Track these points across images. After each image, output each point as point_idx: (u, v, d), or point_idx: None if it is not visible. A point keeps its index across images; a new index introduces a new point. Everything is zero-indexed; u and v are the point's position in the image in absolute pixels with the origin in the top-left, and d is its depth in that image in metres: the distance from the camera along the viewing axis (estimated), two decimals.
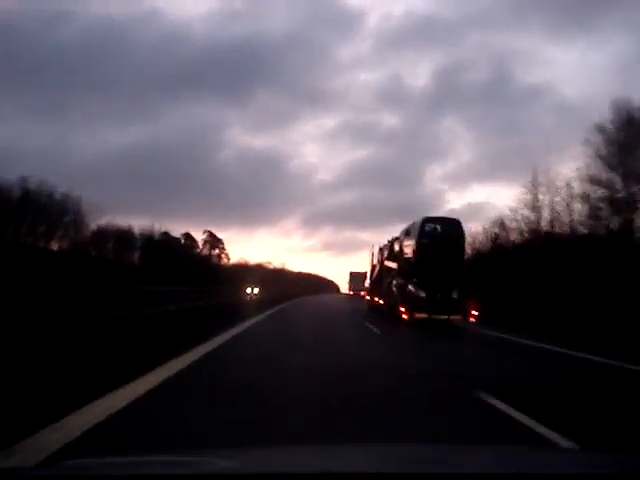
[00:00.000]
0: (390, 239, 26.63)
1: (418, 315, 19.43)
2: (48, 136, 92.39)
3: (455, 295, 20.25)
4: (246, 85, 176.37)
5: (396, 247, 24.22)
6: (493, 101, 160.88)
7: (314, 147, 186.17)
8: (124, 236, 54.29)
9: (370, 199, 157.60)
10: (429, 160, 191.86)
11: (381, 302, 26.52)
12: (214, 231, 62.62)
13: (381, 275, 27.18)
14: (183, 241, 55.66)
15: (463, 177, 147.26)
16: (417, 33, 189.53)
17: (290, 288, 57.19)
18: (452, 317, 19.60)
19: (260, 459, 1.82)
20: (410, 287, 20.59)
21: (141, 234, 55.36)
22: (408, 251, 21.52)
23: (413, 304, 19.67)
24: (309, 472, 1.48)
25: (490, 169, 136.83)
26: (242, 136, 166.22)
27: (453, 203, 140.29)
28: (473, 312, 19.71)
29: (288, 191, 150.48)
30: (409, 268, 21.00)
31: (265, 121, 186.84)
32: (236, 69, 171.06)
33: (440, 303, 19.64)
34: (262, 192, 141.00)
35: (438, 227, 20.44)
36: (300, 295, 51.54)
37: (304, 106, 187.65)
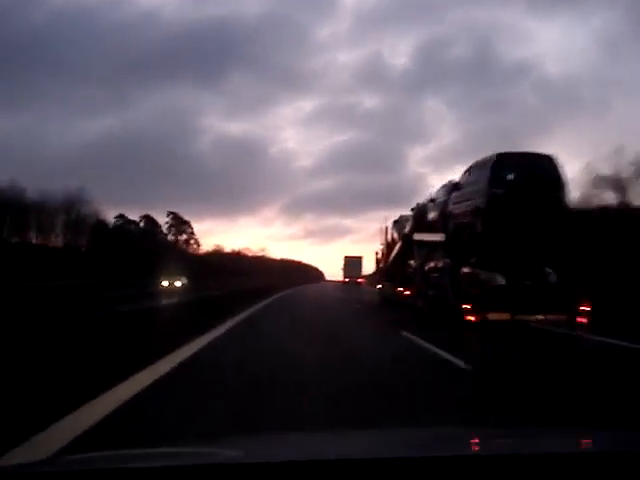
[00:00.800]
0: (422, 202, 18.67)
1: (494, 315, 11.49)
2: (14, 124, 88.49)
3: (553, 280, 12.28)
4: (221, 68, 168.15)
5: (432, 213, 16.16)
6: (476, 80, 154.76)
7: (293, 132, 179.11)
8: (74, 222, 46.52)
9: (352, 185, 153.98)
10: (412, 142, 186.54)
11: (407, 293, 18.46)
12: (193, 221, 54.45)
13: (403, 255, 19.05)
14: (142, 225, 46.72)
15: (447, 159, 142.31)
16: (397, 10, 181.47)
17: (269, 279, 49.00)
18: (551, 316, 11.70)
19: (263, 447, 1.85)
20: (471, 270, 12.60)
21: (96, 219, 47.21)
22: (463, 213, 13.44)
23: (484, 298, 11.69)
24: (313, 459, 1.45)
25: (474, 150, 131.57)
26: (219, 122, 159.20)
27: (435, 186, 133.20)
28: (584, 308, 11.76)
29: (268, 178, 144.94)
30: (468, 239, 12.98)
31: (242, 105, 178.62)
32: (210, 51, 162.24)
33: (530, 294, 11.71)
34: (241, 180, 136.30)
35: (521, 168, 12.36)
36: (282, 288, 40.70)
37: (282, 89, 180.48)
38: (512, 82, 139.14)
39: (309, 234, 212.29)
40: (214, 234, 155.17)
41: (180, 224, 51.15)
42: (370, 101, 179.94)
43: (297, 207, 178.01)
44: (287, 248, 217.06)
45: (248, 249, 70.87)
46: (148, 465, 1.46)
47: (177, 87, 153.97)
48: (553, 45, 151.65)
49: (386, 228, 23.94)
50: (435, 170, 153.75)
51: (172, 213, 48.76)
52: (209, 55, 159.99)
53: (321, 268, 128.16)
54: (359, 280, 52.97)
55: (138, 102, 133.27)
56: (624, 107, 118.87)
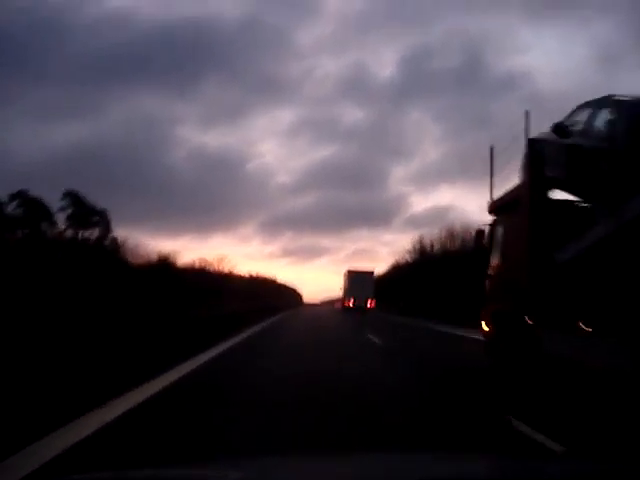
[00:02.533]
0: None
1: None
2: None
3: None
4: (196, 74, 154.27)
5: None
6: (465, 93, 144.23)
7: (271, 146, 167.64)
8: None
9: (332, 203, 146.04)
10: (395, 159, 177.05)
11: None
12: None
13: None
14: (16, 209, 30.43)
15: (431, 177, 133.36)
16: (383, 17, 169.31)
17: (231, 303, 33.44)
18: None
19: (270, 470, 1.83)
20: None
21: None
22: None
23: None
24: None
25: (459, 169, 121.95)
26: (192, 132, 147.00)
27: (418, 205, 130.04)
28: None
29: (245, 194, 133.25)
30: None
31: (217, 115, 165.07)
32: (184, 56, 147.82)
33: None
34: (216, 195, 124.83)
35: None
36: (247, 322, 22.60)
37: (261, 98, 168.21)
38: (502, 95, 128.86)
39: (287, 253, 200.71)
40: (187, 251, 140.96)
41: (85, 213, 34.46)
42: (353, 113, 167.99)
43: (275, 225, 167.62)
44: (265, 267, 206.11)
45: (205, 261, 53.31)
46: None
47: (148, 93, 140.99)
48: (547, 57, 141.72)
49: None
50: (418, 189, 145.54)
51: (70, 193, 31.25)
52: (183, 60, 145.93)
53: (299, 289, 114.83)
54: (369, 304, 39.65)
55: (105, 108, 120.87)
56: None
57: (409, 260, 49.21)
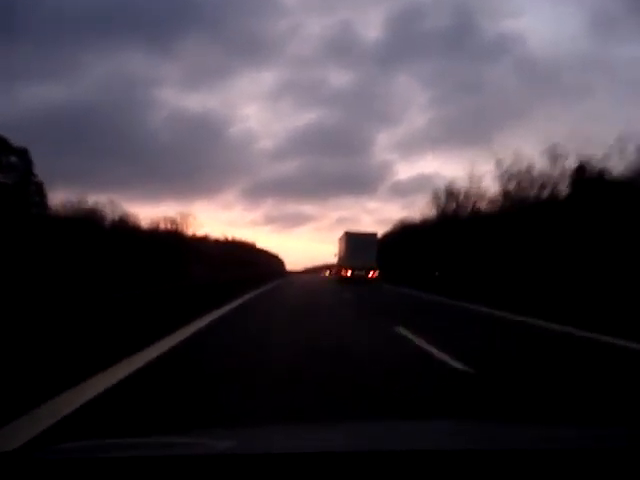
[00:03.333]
0: None
1: None
2: None
3: None
4: (176, 33, 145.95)
5: None
6: (454, 56, 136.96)
7: (254, 109, 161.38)
8: None
9: (316, 169, 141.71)
10: (380, 124, 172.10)
11: None
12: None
13: None
14: None
15: (416, 145, 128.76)
16: None
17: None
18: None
19: (260, 439, 1.83)
20: None
21: None
22: None
23: None
24: (309, 451, 1.44)
25: (445, 136, 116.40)
26: (173, 94, 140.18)
27: (403, 173, 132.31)
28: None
29: (227, 160, 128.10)
30: None
31: (198, 76, 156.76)
32: (162, 12, 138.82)
33: None
34: (198, 161, 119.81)
35: None
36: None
37: (242, 61, 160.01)
38: (492, 60, 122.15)
39: (270, 220, 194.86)
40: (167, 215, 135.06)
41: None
42: (338, 76, 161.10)
43: (258, 192, 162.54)
44: (248, 235, 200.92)
45: (173, 220, 43.40)
46: (141, 454, 1.46)
47: (125, 53, 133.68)
48: (541, 20, 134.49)
49: None
50: (403, 157, 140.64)
51: None
52: (162, 16, 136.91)
53: (281, 257, 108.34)
54: (371, 274, 32.45)
55: (80, 68, 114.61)
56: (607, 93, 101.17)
57: (429, 217, 37.94)
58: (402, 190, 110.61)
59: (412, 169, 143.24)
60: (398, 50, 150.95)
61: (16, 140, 28.72)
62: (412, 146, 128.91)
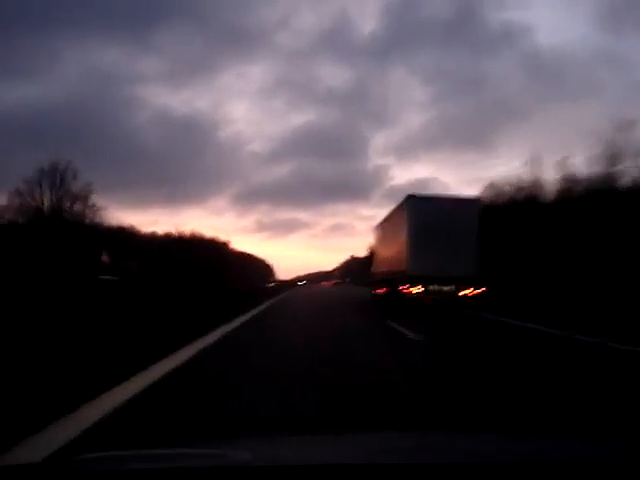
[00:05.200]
0: None
1: None
2: None
3: None
4: (158, 25, 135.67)
5: None
6: (455, 49, 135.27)
7: (244, 110, 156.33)
8: None
9: (309, 175, 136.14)
10: (376, 126, 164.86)
11: None
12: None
13: None
14: None
15: (412, 148, 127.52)
16: None
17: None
18: None
19: (274, 449, 1.89)
20: None
21: None
22: None
23: None
24: (313, 464, 1.49)
25: (441, 140, 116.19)
26: (159, 96, 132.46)
27: (398, 179, 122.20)
28: None
29: (216, 164, 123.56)
30: None
31: (185, 74, 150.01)
32: (145, 3, 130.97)
33: None
34: (188, 165, 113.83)
35: None
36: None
37: (231, 56, 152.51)
38: (494, 54, 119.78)
39: (262, 227, 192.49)
40: (156, 224, 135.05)
41: None
42: (333, 75, 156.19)
43: (250, 197, 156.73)
44: (239, 242, 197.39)
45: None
46: (155, 466, 1.48)
47: (106, 47, 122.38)
48: (548, 11, 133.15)
49: None
50: (398, 161, 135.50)
51: None
52: (144, 7, 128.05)
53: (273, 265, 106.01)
54: (467, 291, 15.38)
55: (60, 62, 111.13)
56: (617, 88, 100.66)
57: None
58: (397, 196, 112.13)
59: (408, 174, 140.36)
60: (398, 50, 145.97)
61: None
62: (408, 150, 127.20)
